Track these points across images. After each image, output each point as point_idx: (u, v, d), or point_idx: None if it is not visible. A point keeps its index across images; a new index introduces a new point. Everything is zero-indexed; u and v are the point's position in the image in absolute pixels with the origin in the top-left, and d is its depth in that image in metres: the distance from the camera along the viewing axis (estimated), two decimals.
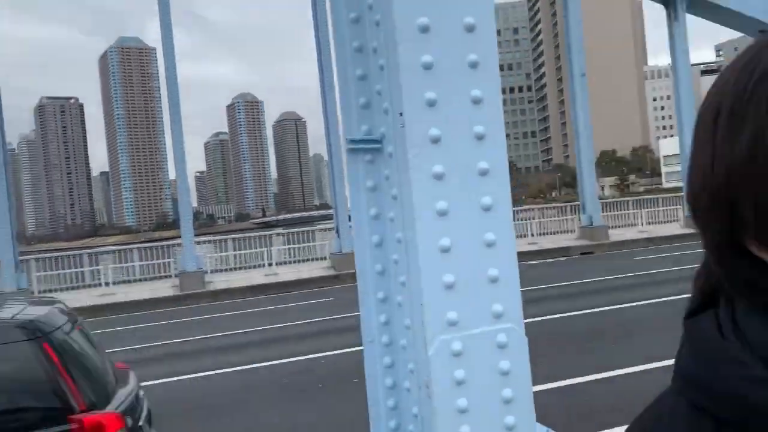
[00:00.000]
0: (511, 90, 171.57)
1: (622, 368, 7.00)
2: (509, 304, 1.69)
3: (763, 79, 0.50)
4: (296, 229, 26.47)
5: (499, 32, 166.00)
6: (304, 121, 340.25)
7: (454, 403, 1.63)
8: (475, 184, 1.70)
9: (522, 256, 18.97)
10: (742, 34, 23.49)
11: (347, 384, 7.40)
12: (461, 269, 1.66)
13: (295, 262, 23.65)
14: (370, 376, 2.02)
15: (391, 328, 2.04)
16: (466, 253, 1.68)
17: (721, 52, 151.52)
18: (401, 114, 1.68)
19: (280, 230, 34.53)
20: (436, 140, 1.68)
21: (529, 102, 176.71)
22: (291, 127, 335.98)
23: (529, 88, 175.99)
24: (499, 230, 1.70)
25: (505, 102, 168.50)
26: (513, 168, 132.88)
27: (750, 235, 0.52)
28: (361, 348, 2.09)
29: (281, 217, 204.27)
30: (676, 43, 20.79)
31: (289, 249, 24.32)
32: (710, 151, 0.54)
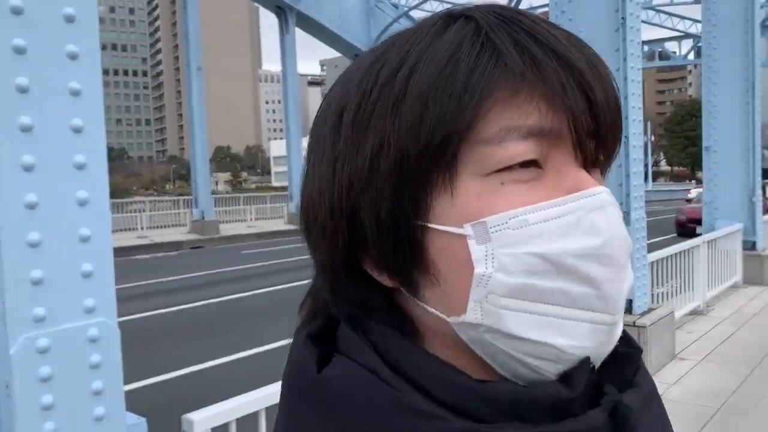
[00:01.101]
0: (125, 73, 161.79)
1: (215, 359, 7.27)
2: (102, 298, 1.71)
3: (388, 81, 0.46)
4: None
5: (113, 9, 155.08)
6: None
7: (38, 400, 1.57)
8: (71, 177, 1.67)
9: (131, 250, 18.25)
10: (341, 54, 26.93)
11: None
12: (52, 264, 1.62)
13: None
14: None
15: None
16: (59, 247, 1.64)
17: (324, 67, 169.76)
18: None
19: None
20: (27, 129, 1.59)
21: (145, 88, 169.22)
22: None
23: (145, 74, 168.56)
24: (95, 224, 1.70)
25: (118, 85, 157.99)
26: (124, 157, 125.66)
27: (366, 250, 0.48)
28: None
29: None
30: (287, 52, 22.64)
31: None
32: (331, 158, 0.48)
